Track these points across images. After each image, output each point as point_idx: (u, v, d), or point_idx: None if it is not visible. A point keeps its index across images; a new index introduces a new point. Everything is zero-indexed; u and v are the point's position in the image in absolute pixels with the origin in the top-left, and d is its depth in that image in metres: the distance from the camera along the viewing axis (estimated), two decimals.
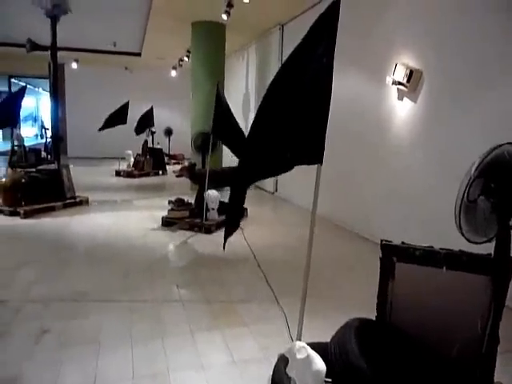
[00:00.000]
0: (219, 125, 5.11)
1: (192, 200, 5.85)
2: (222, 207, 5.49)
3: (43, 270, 3.93)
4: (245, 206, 6.17)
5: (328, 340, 2.00)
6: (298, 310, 2.98)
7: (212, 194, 5.34)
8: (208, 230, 5.27)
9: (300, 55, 1.91)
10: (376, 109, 5.20)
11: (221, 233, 5.22)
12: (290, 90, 1.90)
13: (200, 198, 5.48)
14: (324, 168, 1.96)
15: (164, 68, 13.67)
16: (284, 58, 2.04)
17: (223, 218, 5.56)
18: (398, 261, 1.96)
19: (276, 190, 8.47)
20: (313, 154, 1.87)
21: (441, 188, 4.02)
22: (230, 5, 6.82)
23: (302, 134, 1.88)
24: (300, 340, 1.84)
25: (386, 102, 5.02)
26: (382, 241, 2.04)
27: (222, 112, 5.09)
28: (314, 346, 1.71)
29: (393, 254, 1.97)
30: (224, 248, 2.27)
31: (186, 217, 5.48)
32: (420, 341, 1.90)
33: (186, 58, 11.32)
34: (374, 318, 2.11)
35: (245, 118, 10.11)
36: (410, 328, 1.96)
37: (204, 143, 5.74)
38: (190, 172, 5.74)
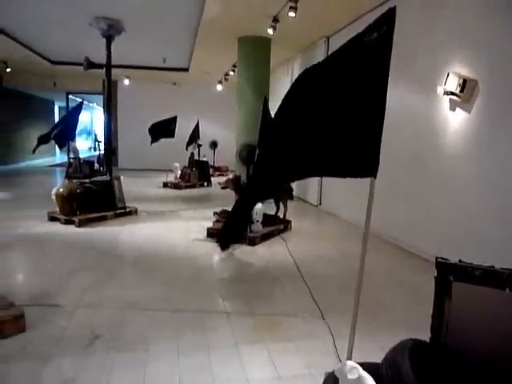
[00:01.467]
0: (263, 138, 5.15)
1: None
2: (267, 219, 5.50)
3: (95, 277, 4.09)
4: (288, 218, 6.20)
5: (378, 360, 1.92)
6: (344, 327, 2.90)
7: (256, 206, 5.36)
8: (252, 242, 5.28)
9: (349, 63, 1.88)
10: (427, 120, 5.03)
11: (265, 245, 5.28)
12: (337, 98, 1.87)
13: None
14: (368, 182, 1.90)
15: (210, 82, 14.04)
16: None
17: (267, 229, 5.57)
18: (455, 280, 1.85)
19: (320, 203, 8.36)
20: (366, 166, 1.82)
21: (502, 205, 3.79)
22: (275, 20, 6.93)
23: (352, 146, 1.84)
24: (351, 359, 1.78)
25: (437, 112, 4.84)
26: (437, 258, 1.93)
27: (267, 126, 5.15)
28: (366, 367, 1.64)
29: (449, 273, 1.86)
30: (223, 250, 2.24)
31: None
32: (480, 365, 1.78)
33: (231, 73, 11.57)
34: (426, 340, 2.01)
35: None
36: (468, 352, 1.84)
37: (249, 155, 5.80)
38: (235, 184, 5.80)
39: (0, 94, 14.55)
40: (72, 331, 2.95)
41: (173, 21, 7.94)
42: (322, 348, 2.80)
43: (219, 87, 14.00)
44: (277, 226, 5.85)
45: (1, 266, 4.41)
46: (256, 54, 8.47)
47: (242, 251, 5.11)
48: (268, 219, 5.63)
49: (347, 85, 1.83)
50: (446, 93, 4.53)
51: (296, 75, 8.77)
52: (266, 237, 5.49)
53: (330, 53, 6.73)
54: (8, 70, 12.43)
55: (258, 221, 5.43)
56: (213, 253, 5.07)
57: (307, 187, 8.86)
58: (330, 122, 1.83)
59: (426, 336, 2.00)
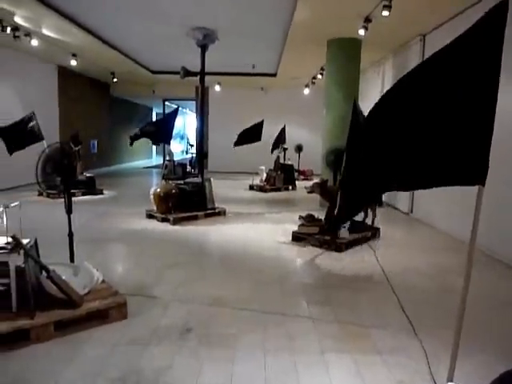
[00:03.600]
0: (353, 142, 5.03)
1: (322, 216, 5.84)
2: (354, 226, 5.35)
3: (187, 273, 4.35)
4: (376, 225, 5.95)
5: None
6: (437, 345, 2.71)
7: None
8: (338, 248, 5.17)
9: (456, 63, 1.75)
10: None
11: (351, 252, 5.14)
12: (443, 102, 1.75)
13: (331, 214, 5.43)
14: (473, 190, 1.74)
15: (297, 87, 14.09)
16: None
17: (354, 236, 5.41)
18: None
19: (411, 211, 7.90)
20: (474, 173, 1.68)
21: None
22: (367, 20, 6.73)
23: (459, 152, 1.71)
24: (452, 382, 1.65)
25: None
26: None
27: (356, 129, 5.01)
28: None
29: None
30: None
31: (315, 233, 5.48)
32: None
33: (319, 76, 11.49)
34: None
35: None
36: None
37: (336, 160, 5.70)
38: (322, 188, 5.74)
39: (108, 101, 16.26)
40: (167, 322, 3.16)
41: (263, 27, 8.13)
42: (413, 365, 2.64)
43: (306, 91, 13.98)
44: (364, 233, 5.66)
45: (106, 258, 4.90)
46: (345, 56, 8.30)
47: (327, 257, 5.04)
48: (355, 225, 5.47)
49: (454, 87, 1.71)
50: None
51: (387, 77, 8.39)
52: (352, 243, 5.35)
53: (425, 52, 6.34)
54: (115, 80, 13.81)
55: (344, 227, 5.31)
56: (298, 257, 5.07)
57: (397, 193, 8.43)
58: (434, 127, 1.72)
59: None
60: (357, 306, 3.60)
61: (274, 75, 12.93)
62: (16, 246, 2.87)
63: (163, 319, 3.21)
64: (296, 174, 12.75)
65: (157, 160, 21.64)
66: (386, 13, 5.97)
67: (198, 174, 7.82)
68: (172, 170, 11.33)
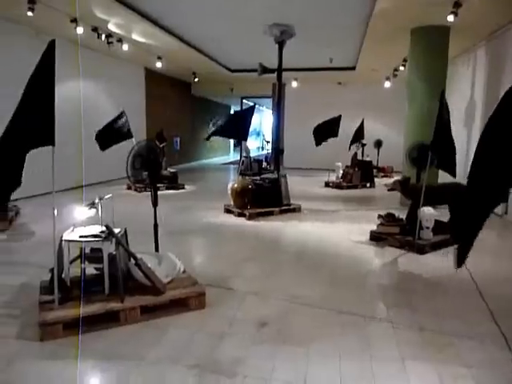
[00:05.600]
0: (439, 137, 4.71)
1: (403, 216, 5.54)
2: (438, 226, 4.99)
3: (262, 268, 4.40)
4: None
5: None
6: None
7: (428, 211, 4.92)
8: (421, 250, 4.87)
9: None
10: None
11: (435, 255, 4.81)
12: None
13: (413, 214, 5.13)
14: None
15: (376, 80, 13.52)
16: None
17: (439, 238, 5.06)
18: None
19: (506, 212, 7.17)
20: None
21: None
22: (457, 4, 6.21)
23: None
24: None
25: None
26: None
27: (443, 123, 4.68)
28: None
29: None
30: (459, 266, 2.02)
31: (396, 233, 5.22)
32: None
33: (401, 68, 10.91)
34: None
35: (467, 129, 9.01)
36: None
37: (420, 156, 5.35)
38: (404, 186, 5.44)
39: (189, 100, 17.05)
40: (243, 314, 3.24)
41: (342, 19, 7.91)
42: (506, 382, 2.40)
43: (387, 84, 13.34)
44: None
45: (187, 249, 5.15)
46: (431, 45, 7.75)
47: (408, 259, 4.77)
48: (440, 226, 5.10)
49: None
50: None
51: (479, 67, 7.71)
52: (436, 246, 5.00)
53: None
54: (196, 79, 14.42)
55: (428, 227, 4.98)
56: (376, 257, 4.88)
57: None
58: None
59: None
60: (440, 313, 3.36)
61: (353, 68, 12.55)
62: (109, 234, 3.13)
63: (239, 312, 3.28)
64: (375, 170, 12.26)
65: (234, 156, 22.23)
66: None
67: (274, 170, 7.87)
68: (248, 166, 11.52)
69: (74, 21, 7.35)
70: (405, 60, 9.61)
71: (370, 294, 3.77)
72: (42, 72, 2.64)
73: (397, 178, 6.00)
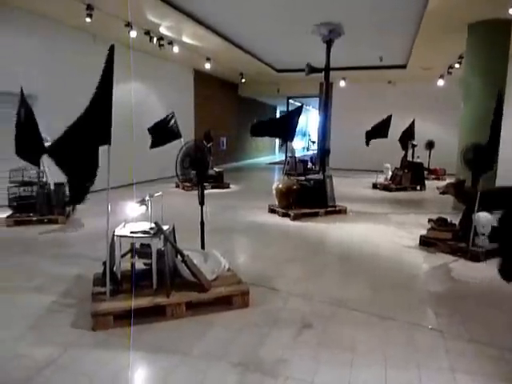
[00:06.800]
0: (495, 137, 4.49)
1: (455, 221, 5.28)
2: (495, 233, 4.71)
3: (306, 269, 4.37)
4: None
5: None
6: None
7: (484, 216, 4.66)
8: (475, 258, 4.61)
9: None
10: None
11: (492, 263, 4.53)
12: None
13: (467, 219, 4.87)
14: None
15: (429, 78, 12.99)
16: None
17: (495, 245, 4.77)
18: None
19: None
20: None
21: None
22: None
23: None
24: None
25: None
26: None
27: (497, 124, 4.46)
28: None
29: None
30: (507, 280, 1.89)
31: (448, 239, 4.98)
32: None
33: (457, 65, 10.40)
34: None
35: None
36: None
37: (476, 157, 5.06)
38: (458, 189, 5.18)
39: (236, 101, 17.26)
40: (286, 315, 3.23)
41: (394, 16, 7.66)
42: None
43: (440, 82, 12.77)
44: None
45: (231, 248, 5.21)
46: (490, 41, 7.32)
47: (461, 266, 4.54)
48: (498, 233, 4.80)
49: None
50: None
51: None
52: (492, 253, 4.71)
53: None
54: (243, 80, 14.57)
55: (483, 234, 4.71)
56: (425, 262, 4.68)
57: None
58: None
59: None
60: (493, 325, 3.16)
61: (404, 67, 12.13)
62: (158, 231, 3.24)
63: (283, 312, 3.28)
64: (426, 172, 11.78)
65: (279, 156, 22.23)
66: None
67: (319, 171, 7.78)
68: (293, 166, 11.48)
69: (128, 25, 7.67)
70: (461, 57, 9.16)
71: (418, 300, 3.62)
72: (104, 76, 2.79)
73: (450, 180, 5.72)
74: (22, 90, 5.80)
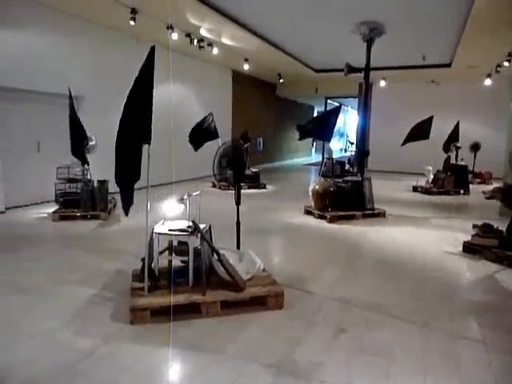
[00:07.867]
0: None
1: (502, 227, 5.01)
2: None
3: (342, 272, 4.29)
4: None
5: None
6: None
7: None
8: None
9: None
10: None
11: None
12: None
13: None
14: None
15: (474, 77, 12.41)
16: None
17: None
18: None
19: None
20: None
21: None
22: None
23: None
24: None
25: None
26: None
27: None
28: None
29: None
30: None
31: (493, 246, 4.74)
32: None
33: (505, 63, 9.88)
34: None
35: None
36: None
37: None
38: (506, 194, 4.92)
39: (273, 101, 17.25)
40: (321, 319, 3.18)
41: (437, 14, 7.38)
42: None
43: (487, 81, 12.17)
44: None
45: (267, 248, 5.20)
46: None
47: (507, 275, 4.30)
48: None
49: None
50: None
51: None
52: None
53: None
54: (281, 80, 14.54)
55: None
56: (468, 271, 4.48)
57: None
58: None
59: None
60: None
61: (449, 65, 11.66)
62: (195, 229, 3.28)
63: (318, 315, 3.23)
64: (470, 176, 11.26)
65: (316, 157, 22.01)
66: None
67: (357, 173, 7.62)
68: (330, 167, 11.30)
69: (170, 27, 7.85)
70: (509, 55, 8.70)
71: (460, 309, 3.46)
72: (144, 75, 2.86)
73: (496, 184, 5.44)
74: (70, 92, 6.08)
